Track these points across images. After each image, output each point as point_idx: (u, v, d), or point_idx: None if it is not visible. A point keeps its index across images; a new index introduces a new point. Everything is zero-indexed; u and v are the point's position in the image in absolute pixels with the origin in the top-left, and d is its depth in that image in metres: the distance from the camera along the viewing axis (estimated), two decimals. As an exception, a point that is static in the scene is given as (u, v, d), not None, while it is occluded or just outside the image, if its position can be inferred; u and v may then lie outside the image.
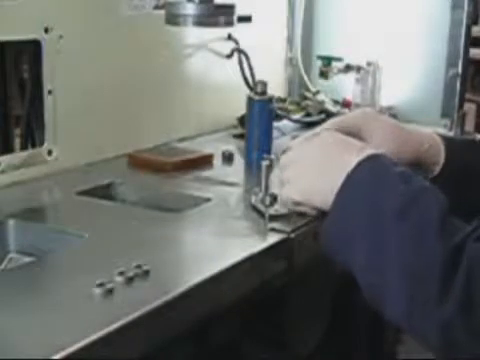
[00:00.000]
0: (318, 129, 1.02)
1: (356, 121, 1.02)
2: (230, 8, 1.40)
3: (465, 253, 0.73)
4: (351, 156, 0.86)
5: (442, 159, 1.04)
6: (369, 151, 0.87)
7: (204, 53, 1.68)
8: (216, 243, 1.02)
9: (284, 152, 0.99)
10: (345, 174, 0.84)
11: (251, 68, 1.73)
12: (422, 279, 0.75)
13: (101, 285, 0.81)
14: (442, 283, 0.73)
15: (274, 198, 1.06)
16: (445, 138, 1.06)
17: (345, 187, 0.84)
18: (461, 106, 1.84)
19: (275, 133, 1.49)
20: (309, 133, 1.00)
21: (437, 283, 0.73)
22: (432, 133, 1.07)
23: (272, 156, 1.17)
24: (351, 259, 0.83)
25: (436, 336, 0.74)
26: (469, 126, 1.94)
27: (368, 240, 0.80)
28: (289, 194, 0.96)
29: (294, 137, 1.65)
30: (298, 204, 0.98)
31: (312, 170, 0.92)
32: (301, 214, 1.02)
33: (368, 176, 0.84)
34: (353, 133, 0.99)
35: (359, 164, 0.85)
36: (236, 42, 1.72)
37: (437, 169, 1.04)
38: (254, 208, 1.11)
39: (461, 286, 0.72)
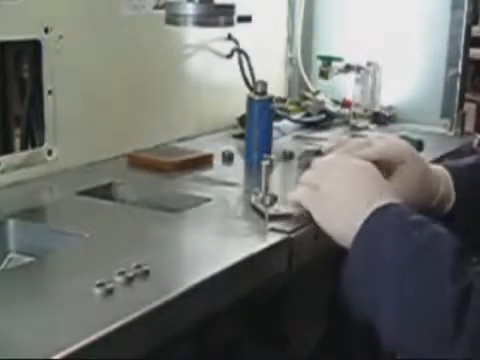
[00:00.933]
0: (364, 141, 1.04)
1: (391, 154, 1.03)
2: (230, 8, 1.40)
3: (474, 292, 0.76)
4: (374, 200, 0.88)
5: (453, 197, 1.06)
6: (388, 198, 0.89)
7: (204, 53, 1.68)
8: (216, 243, 1.02)
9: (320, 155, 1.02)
10: (368, 214, 0.87)
11: (251, 68, 1.73)
12: (434, 323, 0.78)
13: (101, 285, 0.81)
14: (453, 325, 0.76)
15: (274, 198, 1.06)
16: (452, 170, 1.08)
17: (363, 232, 0.87)
18: (461, 106, 1.84)
19: (275, 133, 1.49)
20: (352, 147, 1.02)
21: (449, 325, 0.76)
22: (443, 169, 1.08)
23: (272, 156, 1.17)
24: (372, 300, 0.85)
25: None
26: (469, 126, 1.94)
27: (384, 285, 0.83)
28: (305, 203, 0.97)
29: (295, 137, 1.67)
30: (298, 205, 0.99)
31: (338, 198, 0.93)
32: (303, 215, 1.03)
33: (385, 223, 0.86)
34: (384, 164, 1.00)
35: (378, 210, 0.87)
36: (236, 42, 1.72)
37: (449, 207, 1.06)
38: (254, 208, 1.11)
39: (472, 327, 0.75)
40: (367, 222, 0.87)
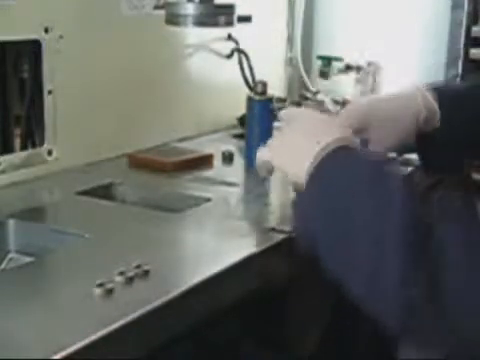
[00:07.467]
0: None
1: (360, 121, 1.04)
2: (230, 8, 1.40)
3: (434, 236, 0.71)
4: (324, 138, 0.85)
5: (438, 115, 1.07)
6: (340, 136, 0.86)
7: (204, 53, 1.68)
8: (216, 243, 1.02)
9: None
10: (322, 154, 0.84)
11: (251, 68, 1.73)
12: (386, 256, 0.72)
13: (101, 285, 0.81)
14: (407, 264, 0.70)
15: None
16: (434, 90, 1.08)
17: (317, 171, 0.83)
18: (461, 106, 1.84)
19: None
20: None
21: (402, 263, 0.70)
22: (422, 91, 1.08)
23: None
24: (318, 236, 0.80)
25: (398, 318, 0.72)
26: (469, 126, 1.93)
27: (337, 219, 0.78)
28: (266, 156, 0.93)
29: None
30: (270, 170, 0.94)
31: (293, 143, 0.90)
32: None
33: (339, 163, 0.83)
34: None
35: (331, 151, 0.84)
36: (236, 42, 1.72)
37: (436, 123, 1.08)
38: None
39: (429, 271, 0.69)
40: (318, 162, 0.83)
